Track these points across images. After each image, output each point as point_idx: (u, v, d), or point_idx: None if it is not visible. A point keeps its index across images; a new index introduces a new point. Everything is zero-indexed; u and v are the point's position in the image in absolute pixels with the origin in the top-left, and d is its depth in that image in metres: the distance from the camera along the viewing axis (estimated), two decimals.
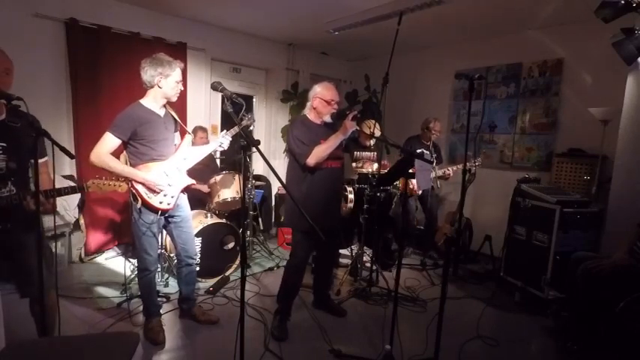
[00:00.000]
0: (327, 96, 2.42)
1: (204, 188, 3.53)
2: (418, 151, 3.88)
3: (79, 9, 3.51)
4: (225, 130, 2.50)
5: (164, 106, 2.29)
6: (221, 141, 2.45)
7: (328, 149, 2.33)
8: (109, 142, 2.12)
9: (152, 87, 2.19)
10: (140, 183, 2.18)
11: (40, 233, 1.57)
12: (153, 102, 2.23)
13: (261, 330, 2.51)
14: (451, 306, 2.66)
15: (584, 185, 3.48)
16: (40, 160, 1.80)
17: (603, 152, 3.29)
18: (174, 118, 2.38)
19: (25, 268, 1.78)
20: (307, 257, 2.57)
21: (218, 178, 3.46)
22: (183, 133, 2.49)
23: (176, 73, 2.20)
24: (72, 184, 3.38)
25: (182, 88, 2.29)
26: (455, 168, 3.88)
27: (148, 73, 2.15)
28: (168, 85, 2.19)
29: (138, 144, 2.18)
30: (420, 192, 3.93)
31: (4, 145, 1.71)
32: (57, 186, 1.79)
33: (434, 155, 3.92)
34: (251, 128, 2.41)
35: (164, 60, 2.17)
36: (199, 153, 2.45)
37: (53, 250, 3.08)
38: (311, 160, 2.33)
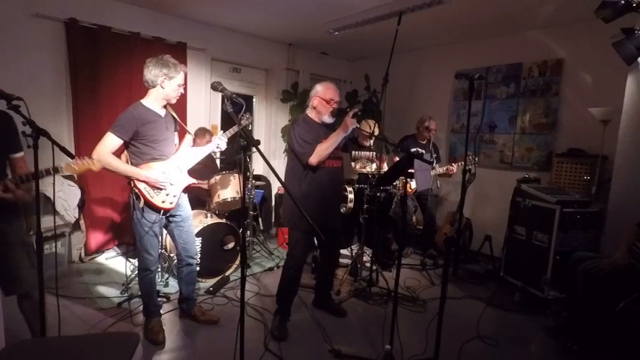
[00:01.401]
0: (327, 95, 2.42)
1: (204, 185, 3.53)
2: (412, 150, 3.88)
3: (79, 9, 3.51)
4: (221, 132, 2.51)
5: (164, 106, 2.30)
6: (218, 143, 2.45)
7: (330, 147, 2.34)
8: (111, 141, 2.13)
9: (154, 87, 2.20)
10: (143, 182, 2.19)
11: (39, 233, 1.57)
12: (154, 102, 2.24)
13: (261, 330, 2.51)
14: (451, 306, 2.66)
15: (584, 185, 3.48)
16: (15, 155, 1.84)
17: (603, 152, 3.29)
18: (175, 118, 2.39)
19: (5, 264, 1.79)
20: (305, 257, 2.57)
21: (218, 178, 3.46)
22: (183, 132, 2.50)
23: (180, 77, 2.23)
24: (72, 183, 3.38)
25: (182, 92, 2.31)
26: (459, 165, 3.86)
27: (152, 73, 2.16)
28: (171, 87, 2.21)
29: (139, 144, 2.19)
30: (414, 191, 3.93)
31: None
32: (57, 186, 1.80)
33: (434, 155, 3.92)
34: (250, 128, 2.40)
35: (170, 62, 2.19)
36: (199, 153, 2.46)
37: (51, 249, 3.09)
38: (313, 159, 2.33)
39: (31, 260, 1.89)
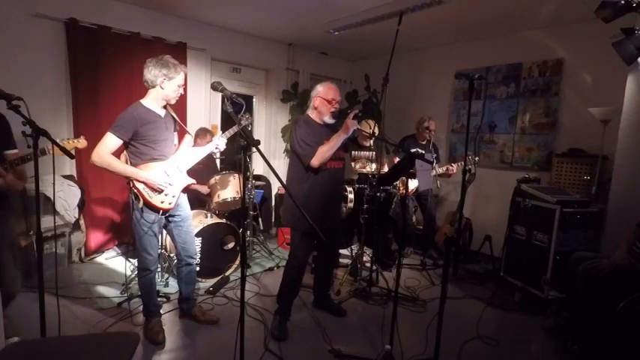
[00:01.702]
0: (329, 95, 2.42)
1: (204, 189, 3.53)
2: (412, 150, 3.87)
3: (79, 9, 3.52)
4: (220, 132, 2.51)
5: (164, 106, 2.30)
6: (217, 143, 2.45)
7: (331, 149, 2.33)
8: (111, 142, 2.12)
9: (154, 87, 2.20)
10: (142, 182, 2.18)
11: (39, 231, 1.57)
12: (153, 102, 2.24)
13: (261, 330, 2.51)
14: (451, 306, 2.66)
15: (584, 185, 3.48)
16: (8, 152, 1.93)
17: (603, 152, 3.29)
18: (174, 118, 2.38)
19: None
20: (307, 257, 2.57)
21: (218, 178, 3.46)
22: (182, 133, 2.49)
23: (179, 77, 2.22)
24: (72, 183, 3.38)
25: (182, 93, 2.31)
26: (458, 165, 3.85)
27: (151, 73, 2.16)
28: (170, 87, 2.21)
29: (139, 144, 2.19)
30: (415, 192, 3.92)
31: None
32: (57, 186, 1.82)
33: (433, 155, 3.91)
34: (250, 128, 2.39)
35: (170, 62, 2.19)
36: (198, 153, 2.46)
37: (51, 249, 3.10)
38: (315, 161, 2.33)
39: (15, 261, 1.94)
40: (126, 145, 2.20)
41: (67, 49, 3.49)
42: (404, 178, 2.23)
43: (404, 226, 3.85)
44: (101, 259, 3.74)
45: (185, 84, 2.31)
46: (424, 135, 3.98)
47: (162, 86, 2.19)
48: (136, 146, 2.19)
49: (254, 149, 1.61)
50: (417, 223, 4.29)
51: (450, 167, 3.78)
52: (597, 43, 3.35)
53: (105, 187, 3.73)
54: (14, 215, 2.07)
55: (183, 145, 2.43)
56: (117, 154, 2.19)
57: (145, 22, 3.92)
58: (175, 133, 2.42)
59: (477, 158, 3.75)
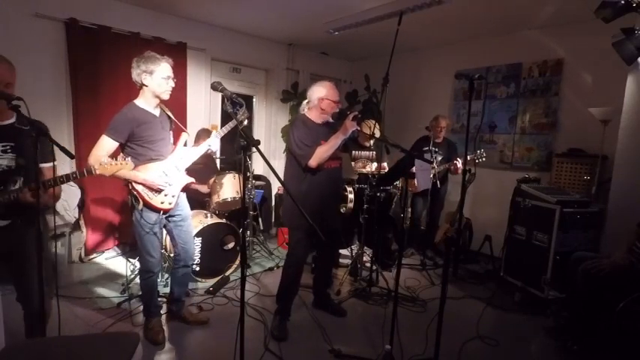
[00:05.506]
0: (335, 96, 2.45)
1: (204, 189, 3.52)
2: (425, 149, 3.85)
3: (79, 9, 3.52)
4: (214, 131, 2.48)
5: (158, 105, 2.26)
6: (209, 143, 2.44)
7: (330, 150, 2.33)
8: (107, 144, 2.10)
9: (141, 86, 2.16)
10: (140, 184, 2.17)
11: (39, 232, 1.57)
12: (146, 102, 2.20)
13: (261, 330, 2.51)
14: (451, 306, 2.66)
15: (584, 185, 3.48)
16: (45, 165, 1.84)
17: (603, 152, 3.29)
18: (170, 117, 2.35)
19: (23, 271, 1.80)
20: (305, 256, 2.58)
21: (218, 178, 3.46)
22: (178, 131, 2.47)
23: (161, 69, 2.12)
24: (72, 183, 3.38)
25: (173, 85, 2.21)
26: (462, 160, 3.76)
27: (135, 72, 2.13)
28: (154, 81, 2.12)
29: (135, 145, 2.16)
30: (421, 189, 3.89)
31: (13, 144, 1.74)
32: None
33: (435, 154, 3.84)
34: (245, 123, 2.29)
35: (149, 57, 2.12)
36: (195, 153, 2.43)
37: (51, 249, 3.09)
38: (313, 162, 2.33)
39: (48, 279, 1.87)
40: (122, 147, 2.17)
41: (67, 49, 3.49)
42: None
43: (411, 226, 3.80)
44: (101, 259, 3.74)
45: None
46: (438, 133, 3.94)
47: (145, 83, 2.12)
48: (132, 147, 2.16)
49: (254, 149, 1.61)
50: (419, 223, 4.27)
51: (453, 163, 3.65)
52: (597, 43, 3.35)
53: (104, 187, 3.73)
54: (47, 231, 1.99)
55: (180, 143, 2.42)
56: (116, 155, 2.17)
57: (145, 22, 3.92)
58: (171, 132, 2.40)
59: (483, 152, 3.61)
